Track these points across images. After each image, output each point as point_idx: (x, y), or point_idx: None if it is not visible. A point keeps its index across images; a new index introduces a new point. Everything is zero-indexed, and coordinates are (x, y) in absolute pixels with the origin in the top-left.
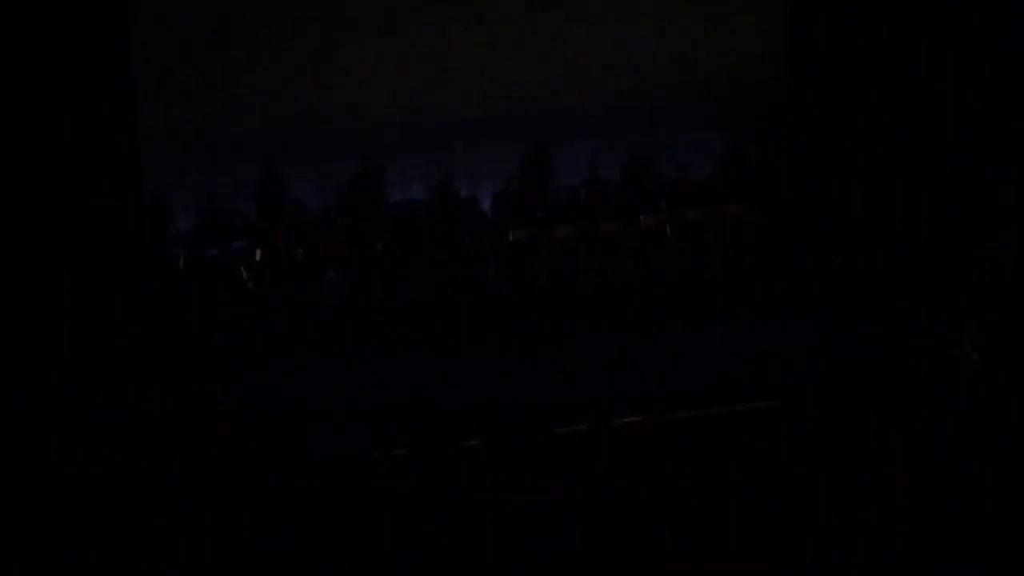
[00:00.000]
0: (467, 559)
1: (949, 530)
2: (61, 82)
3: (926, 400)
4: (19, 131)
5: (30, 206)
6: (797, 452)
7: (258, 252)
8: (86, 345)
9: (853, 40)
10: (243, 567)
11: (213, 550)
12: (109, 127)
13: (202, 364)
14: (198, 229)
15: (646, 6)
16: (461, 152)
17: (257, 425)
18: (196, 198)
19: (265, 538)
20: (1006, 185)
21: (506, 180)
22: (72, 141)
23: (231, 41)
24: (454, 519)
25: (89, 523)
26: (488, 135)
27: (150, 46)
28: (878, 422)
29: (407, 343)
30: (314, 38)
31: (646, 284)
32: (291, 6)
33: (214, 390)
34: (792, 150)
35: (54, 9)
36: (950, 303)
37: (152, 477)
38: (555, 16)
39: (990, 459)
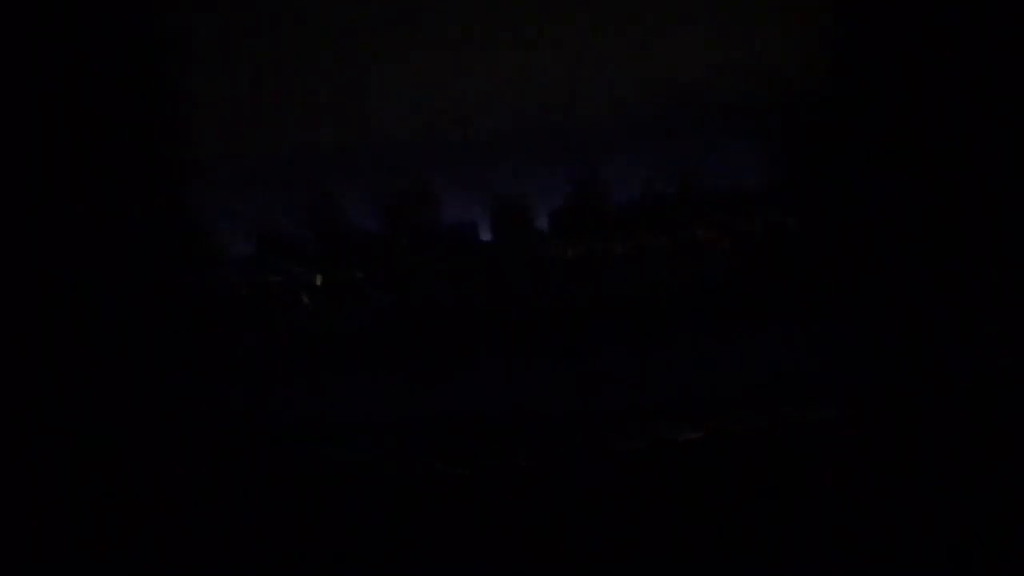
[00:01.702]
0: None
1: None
2: (111, 111)
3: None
4: (74, 155)
5: (88, 235)
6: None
7: (318, 278)
8: (143, 375)
9: (901, 46)
10: None
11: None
12: (157, 153)
13: (258, 388)
14: (256, 255)
15: (691, 16)
16: (511, 169)
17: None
18: (251, 222)
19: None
20: None
21: (555, 196)
22: (119, 167)
23: (280, 62)
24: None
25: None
26: (537, 151)
27: (199, 73)
28: (930, 434)
29: (460, 359)
30: (364, 57)
31: (698, 294)
32: (338, 25)
33: (269, 412)
34: (839, 159)
35: (102, 31)
36: (997, 310)
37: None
38: (602, 29)
39: None
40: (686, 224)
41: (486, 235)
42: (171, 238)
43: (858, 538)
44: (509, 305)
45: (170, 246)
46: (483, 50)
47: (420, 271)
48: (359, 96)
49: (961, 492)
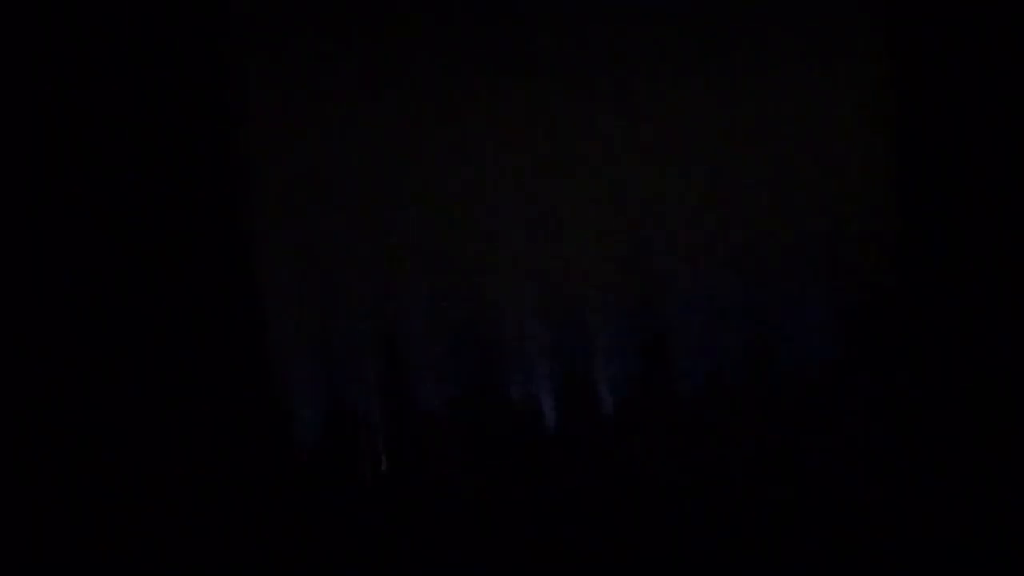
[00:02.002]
0: None
1: None
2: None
3: None
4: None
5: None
6: None
7: (383, 448)
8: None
9: (969, 192)
10: None
11: None
12: (236, 319)
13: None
14: (324, 426)
15: (755, 164)
16: (584, 340)
17: None
18: (321, 394)
19: None
20: None
21: (627, 370)
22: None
23: (358, 233)
24: None
25: None
26: (603, 318)
27: (274, 258)
28: None
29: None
30: (430, 221)
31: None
32: (417, 201)
33: None
34: (910, 307)
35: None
36: None
37: None
38: (665, 189)
39: None
40: (756, 394)
41: (550, 417)
42: (252, 405)
43: None
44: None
45: (251, 413)
46: (555, 221)
47: (487, 446)
48: (435, 275)
49: None
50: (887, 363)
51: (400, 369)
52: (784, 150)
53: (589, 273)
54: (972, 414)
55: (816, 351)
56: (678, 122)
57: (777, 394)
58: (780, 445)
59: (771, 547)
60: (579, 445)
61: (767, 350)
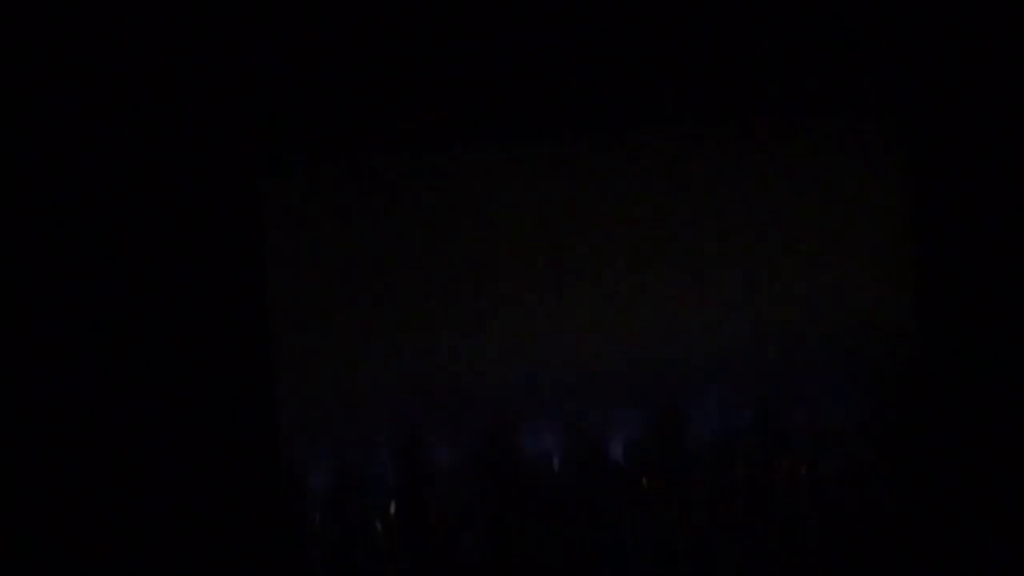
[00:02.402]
0: None
1: None
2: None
3: None
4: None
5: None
6: None
7: (392, 505)
8: None
9: (986, 291)
10: None
11: None
12: (247, 386)
13: None
14: (334, 486)
15: (772, 260)
16: (593, 408)
17: None
18: (331, 454)
19: None
20: None
21: (638, 432)
22: (210, 401)
23: (366, 297)
24: None
25: None
26: (618, 390)
27: (287, 307)
28: None
29: None
30: (447, 295)
31: (780, 530)
32: (423, 266)
33: None
34: (924, 403)
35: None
36: None
37: None
38: (681, 270)
39: None
40: (766, 461)
41: (562, 468)
42: (256, 466)
43: None
44: (586, 536)
45: (254, 473)
46: (566, 293)
47: (502, 508)
48: (443, 336)
49: None
50: (902, 444)
51: (411, 429)
52: (803, 240)
53: (613, 361)
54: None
55: (828, 425)
56: (696, 212)
57: (785, 461)
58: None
59: None
60: (591, 503)
61: (779, 421)
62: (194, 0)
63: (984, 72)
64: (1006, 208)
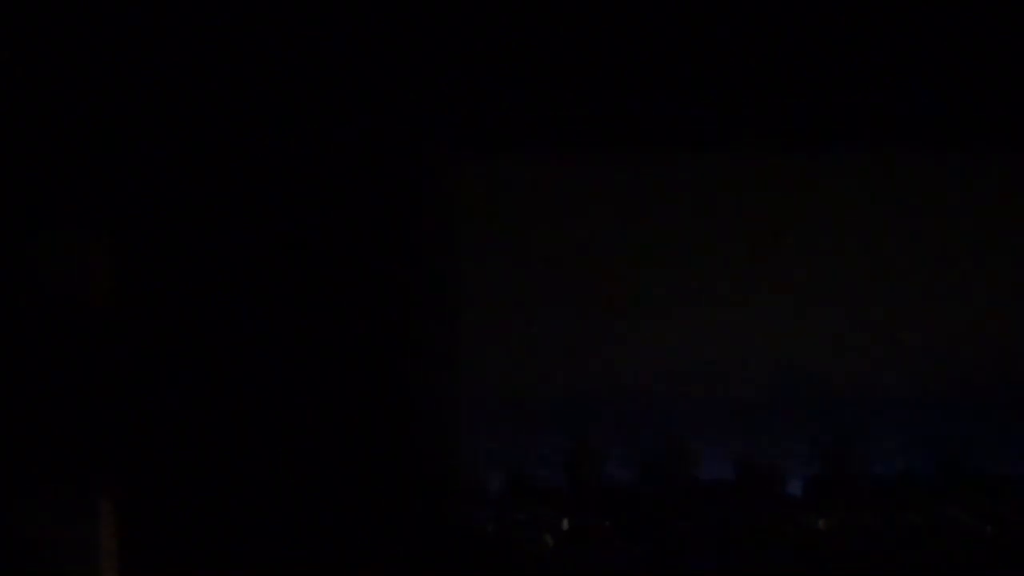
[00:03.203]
0: None
1: None
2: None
3: None
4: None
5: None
6: None
7: (565, 521)
8: None
9: None
10: None
11: None
12: (433, 391)
13: None
14: (506, 493)
15: (964, 288)
16: (770, 432)
17: None
18: (505, 462)
19: None
20: None
21: (812, 464)
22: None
23: (549, 308)
24: None
25: None
26: (799, 415)
27: (474, 306)
28: None
29: None
30: (624, 308)
31: None
32: (604, 278)
33: None
34: None
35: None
36: None
37: None
38: (861, 297)
39: None
40: (945, 505)
41: (738, 495)
42: (433, 472)
43: None
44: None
45: (432, 480)
46: (745, 312)
47: (668, 526)
48: (620, 350)
49: None
50: None
51: (585, 443)
52: (992, 277)
53: (791, 384)
54: None
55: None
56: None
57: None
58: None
59: None
60: (759, 524)
61: (958, 462)
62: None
63: None
64: None
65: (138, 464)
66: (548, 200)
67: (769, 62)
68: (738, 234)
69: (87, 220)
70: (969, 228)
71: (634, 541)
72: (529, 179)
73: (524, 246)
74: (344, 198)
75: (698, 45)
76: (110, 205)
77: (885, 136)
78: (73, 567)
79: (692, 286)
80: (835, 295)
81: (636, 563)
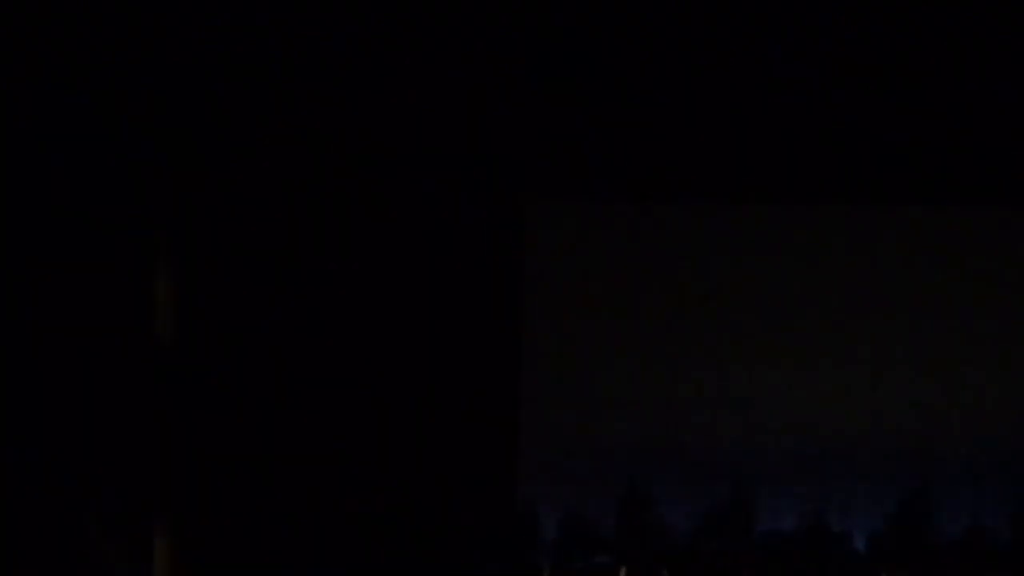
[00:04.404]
0: None
1: None
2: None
3: None
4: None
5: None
6: None
7: (623, 571)
8: None
9: None
10: None
11: None
12: (490, 438)
13: None
14: (563, 539)
15: None
16: (836, 486)
17: None
18: (564, 509)
19: None
20: None
21: (884, 520)
22: (453, 444)
23: (611, 358)
24: None
25: None
26: (865, 471)
27: (535, 357)
28: None
29: None
30: (689, 359)
31: None
32: (670, 328)
33: None
34: None
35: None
36: None
37: None
38: (938, 354)
39: None
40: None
41: (804, 551)
42: (492, 508)
43: None
44: None
45: (490, 515)
46: (815, 367)
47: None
48: (682, 400)
49: None
50: None
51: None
52: None
53: (861, 440)
54: None
55: None
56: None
57: None
58: None
59: None
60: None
61: None
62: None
63: None
64: None
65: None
66: (616, 247)
67: (846, 114)
68: (811, 289)
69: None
70: None
71: None
72: (597, 225)
73: (590, 293)
74: (414, 240)
75: (780, 95)
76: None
77: (967, 194)
78: None
79: (764, 339)
80: (912, 354)
81: None
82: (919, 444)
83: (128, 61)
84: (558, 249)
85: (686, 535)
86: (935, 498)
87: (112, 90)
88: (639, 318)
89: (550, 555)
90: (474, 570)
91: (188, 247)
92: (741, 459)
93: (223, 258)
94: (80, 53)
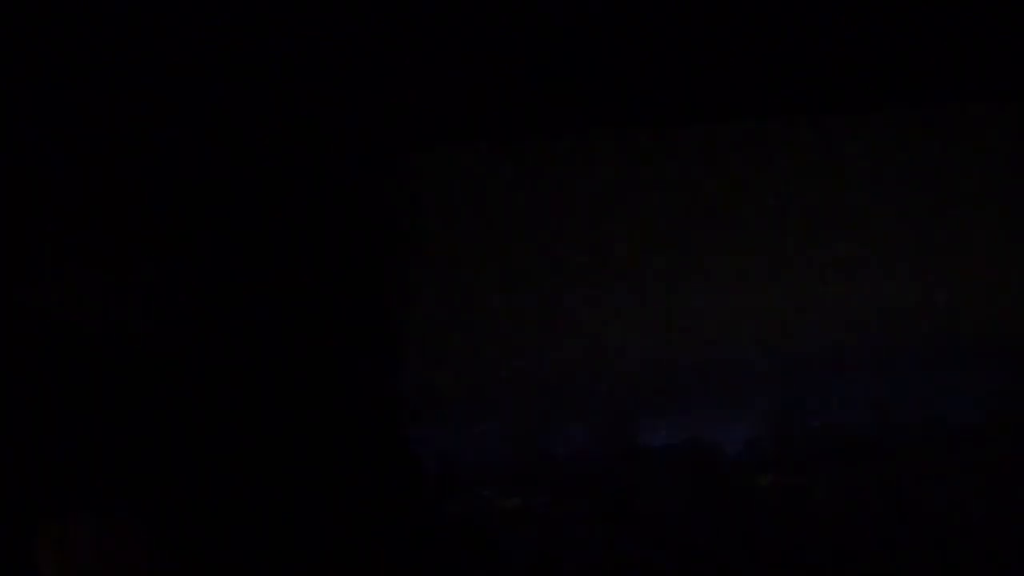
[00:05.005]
0: None
1: None
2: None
3: None
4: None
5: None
6: None
7: (515, 499)
8: None
9: None
10: None
11: None
12: (371, 378)
13: None
14: (449, 474)
15: (903, 253)
16: (712, 398)
17: None
18: (448, 443)
19: None
20: None
21: (756, 426)
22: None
23: (492, 290)
24: None
25: None
26: (737, 382)
27: (417, 297)
28: None
29: None
30: (574, 290)
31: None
32: (555, 262)
33: None
34: None
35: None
36: None
37: None
38: (806, 259)
39: None
40: (889, 459)
41: (682, 463)
42: (376, 449)
43: None
44: (701, 532)
45: (374, 456)
46: (685, 284)
47: (616, 497)
48: (564, 323)
49: None
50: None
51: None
52: (933, 228)
53: (734, 354)
54: None
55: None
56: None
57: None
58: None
59: None
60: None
61: (905, 416)
62: None
63: None
64: None
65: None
66: (495, 188)
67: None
68: (681, 212)
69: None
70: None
71: (584, 515)
72: (478, 167)
73: (471, 234)
74: (288, 189)
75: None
76: None
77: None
78: None
79: (633, 265)
80: (785, 250)
81: (587, 537)
82: (791, 350)
83: None
84: (434, 193)
85: (572, 462)
86: (808, 402)
87: None
88: (521, 253)
89: (437, 490)
90: (359, 510)
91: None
92: (623, 380)
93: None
94: None
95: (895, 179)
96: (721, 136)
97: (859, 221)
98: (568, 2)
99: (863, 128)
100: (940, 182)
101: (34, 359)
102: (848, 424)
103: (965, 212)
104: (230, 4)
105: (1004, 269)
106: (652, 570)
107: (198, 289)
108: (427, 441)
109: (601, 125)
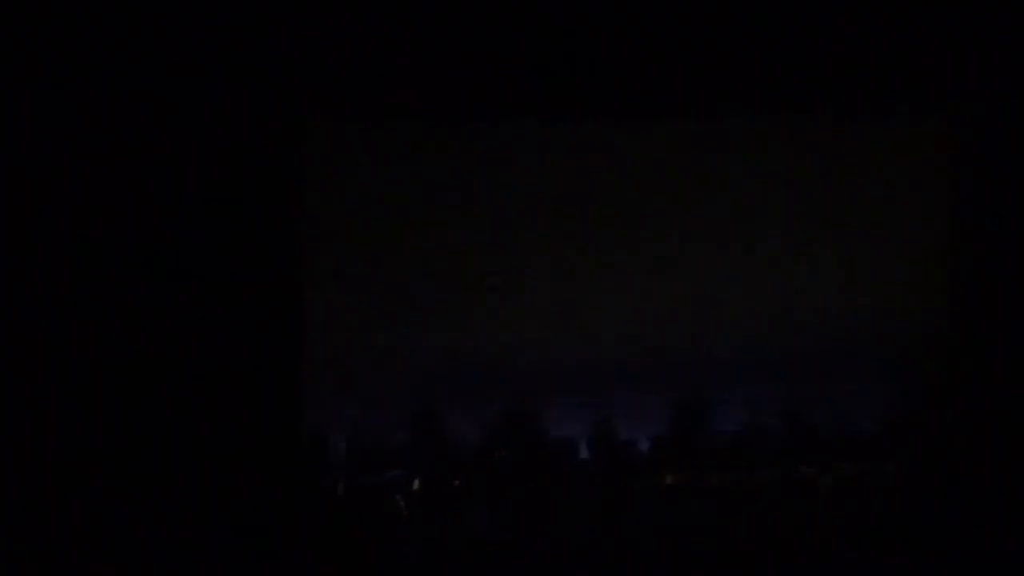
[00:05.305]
0: None
1: None
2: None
3: None
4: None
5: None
6: None
7: (416, 482)
8: None
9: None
10: None
11: None
12: (274, 357)
13: None
14: (355, 457)
15: (805, 254)
16: (618, 395)
17: None
18: (354, 428)
19: None
20: None
21: (663, 424)
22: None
23: (395, 275)
24: None
25: None
26: (645, 379)
27: (318, 277)
28: None
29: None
30: (476, 275)
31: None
32: (459, 245)
33: None
34: (952, 407)
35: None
36: None
37: None
38: (714, 262)
39: None
40: (791, 462)
41: (586, 455)
42: (278, 433)
43: None
44: (603, 527)
45: (275, 440)
46: (596, 279)
47: (518, 486)
48: (471, 312)
49: None
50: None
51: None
52: (840, 237)
53: (639, 350)
54: None
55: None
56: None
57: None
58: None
59: None
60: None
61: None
62: None
63: None
64: None
65: None
66: (394, 169)
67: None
68: (580, 206)
69: None
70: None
71: (484, 501)
72: (377, 146)
73: (370, 218)
74: (186, 165)
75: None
76: None
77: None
78: None
79: (541, 260)
80: (695, 252)
81: (486, 522)
82: (696, 351)
83: None
84: (340, 170)
85: (477, 447)
86: (714, 402)
87: None
88: (427, 237)
89: (342, 473)
90: (263, 496)
91: None
92: (529, 371)
93: None
94: None
95: (790, 195)
96: (621, 135)
97: (762, 232)
98: None
99: (756, 137)
100: (842, 199)
101: None
102: (753, 427)
103: (864, 227)
104: None
105: (901, 282)
106: (551, 554)
107: (83, 278)
108: (330, 423)
109: (512, 117)
